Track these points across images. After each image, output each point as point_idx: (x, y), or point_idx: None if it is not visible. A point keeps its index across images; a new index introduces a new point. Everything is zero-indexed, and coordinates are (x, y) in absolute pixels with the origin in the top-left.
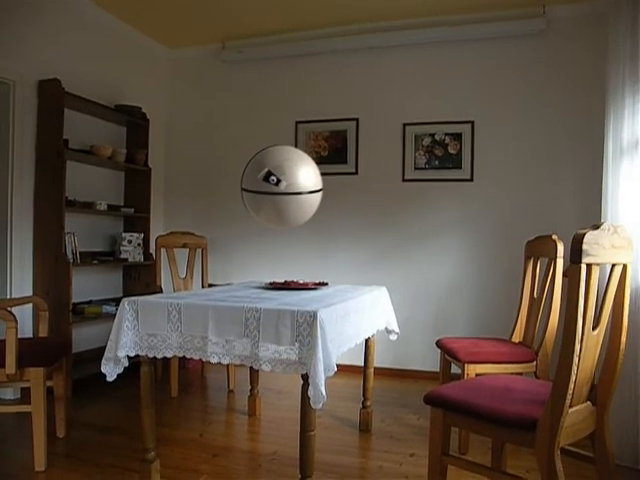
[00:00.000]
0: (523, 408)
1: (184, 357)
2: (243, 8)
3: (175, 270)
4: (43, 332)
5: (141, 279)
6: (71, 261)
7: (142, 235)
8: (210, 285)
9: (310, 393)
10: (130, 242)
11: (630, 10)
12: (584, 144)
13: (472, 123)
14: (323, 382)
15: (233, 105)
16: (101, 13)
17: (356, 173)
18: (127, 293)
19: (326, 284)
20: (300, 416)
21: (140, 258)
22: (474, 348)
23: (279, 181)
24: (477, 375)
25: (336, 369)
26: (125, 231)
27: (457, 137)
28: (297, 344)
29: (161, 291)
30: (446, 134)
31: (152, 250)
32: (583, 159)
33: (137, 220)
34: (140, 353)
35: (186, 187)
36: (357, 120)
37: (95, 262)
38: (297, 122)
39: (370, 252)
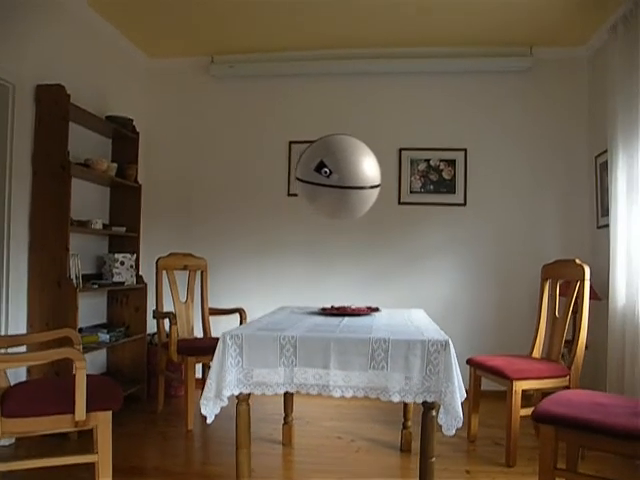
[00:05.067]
0: (634, 422)
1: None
2: (235, 22)
3: (176, 294)
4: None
5: (129, 303)
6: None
7: (135, 256)
8: (210, 310)
9: (441, 420)
10: (122, 264)
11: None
12: (567, 176)
13: (465, 150)
14: (461, 409)
15: (221, 122)
16: (85, 10)
17: None
18: (114, 319)
19: (377, 309)
20: (421, 443)
21: (133, 281)
22: (515, 365)
23: (331, 173)
24: (523, 391)
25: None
26: (110, 251)
27: (451, 163)
28: (427, 373)
29: (166, 317)
30: (441, 160)
31: (141, 272)
32: (565, 189)
33: (126, 240)
34: (244, 391)
35: (166, 206)
36: None
37: (95, 286)
38: (291, 142)
39: (366, 273)
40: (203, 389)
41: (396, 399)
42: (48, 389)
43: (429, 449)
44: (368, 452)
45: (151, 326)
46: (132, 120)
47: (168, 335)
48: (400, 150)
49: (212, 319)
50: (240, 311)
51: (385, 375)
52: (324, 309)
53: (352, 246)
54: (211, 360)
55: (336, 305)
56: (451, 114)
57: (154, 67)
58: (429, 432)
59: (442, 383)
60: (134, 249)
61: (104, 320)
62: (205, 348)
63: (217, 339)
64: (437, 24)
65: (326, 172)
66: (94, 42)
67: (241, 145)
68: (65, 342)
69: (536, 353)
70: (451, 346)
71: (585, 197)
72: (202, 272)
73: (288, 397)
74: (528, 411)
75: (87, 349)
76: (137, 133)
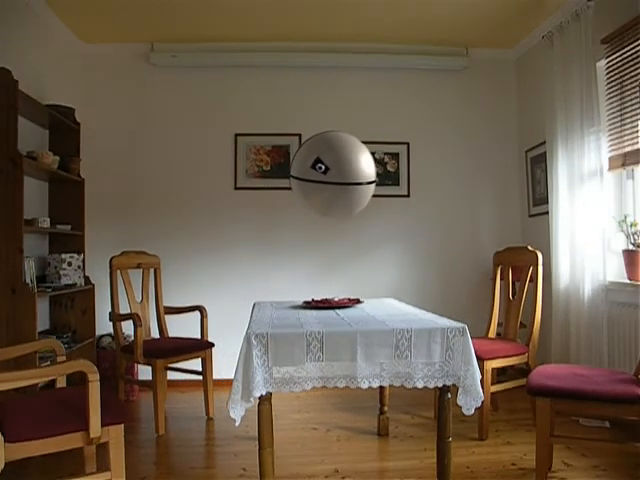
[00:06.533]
0: (621, 388)
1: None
2: (176, 9)
3: (132, 294)
4: (62, 382)
5: (75, 307)
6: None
7: (82, 256)
8: (166, 309)
9: (461, 401)
10: (70, 264)
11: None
12: (500, 168)
13: (408, 144)
14: (481, 388)
15: (164, 113)
16: None
17: None
18: (58, 324)
19: (358, 301)
20: (437, 425)
21: (81, 282)
22: (483, 346)
23: (327, 169)
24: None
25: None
26: (51, 252)
27: (395, 156)
28: (446, 358)
29: (128, 318)
30: (385, 153)
31: (87, 272)
32: (499, 181)
33: (69, 239)
34: (271, 390)
35: (106, 202)
36: (300, 136)
37: (49, 290)
38: (237, 134)
39: (314, 265)
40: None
41: (420, 385)
42: (49, 406)
43: (446, 430)
44: (349, 440)
45: (99, 329)
46: (74, 110)
47: (126, 337)
48: None
49: (167, 318)
50: (200, 309)
51: (409, 363)
52: (307, 302)
53: (299, 238)
54: (178, 361)
55: (316, 298)
56: (395, 109)
57: (89, 54)
58: (446, 414)
59: (461, 367)
60: (79, 248)
61: (47, 326)
62: (172, 349)
63: (179, 339)
64: (382, 22)
65: (321, 168)
66: (23, 23)
67: (186, 138)
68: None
69: (491, 334)
70: (467, 332)
71: (516, 188)
72: (155, 270)
73: None
74: (494, 388)
75: (43, 359)
76: (78, 124)
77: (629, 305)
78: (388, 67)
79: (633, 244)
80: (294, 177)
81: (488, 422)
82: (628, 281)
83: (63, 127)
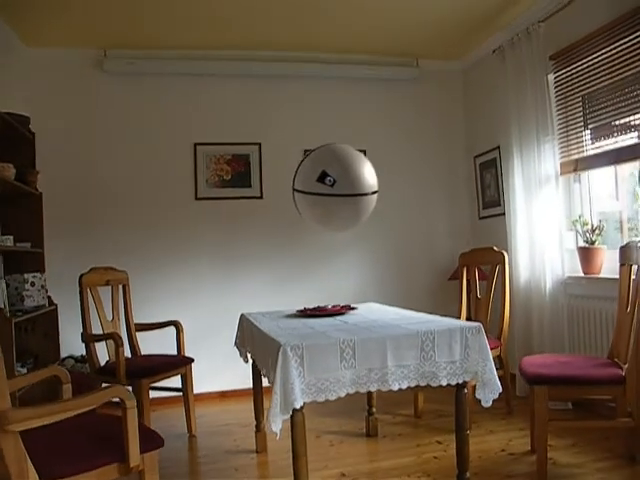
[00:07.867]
0: (607, 371)
1: None
2: (128, 14)
3: (102, 312)
4: None
5: (36, 329)
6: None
7: (44, 275)
8: (137, 325)
9: (479, 395)
10: (33, 285)
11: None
12: (450, 174)
13: (364, 152)
14: (499, 381)
15: (119, 123)
16: None
17: (261, 197)
18: (18, 349)
19: (350, 307)
20: (456, 418)
21: (45, 303)
22: None
23: (335, 182)
24: None
25: None
26: (8, 272)
27: None
28: (465, 356)
29: (107, 339)
30: None
31: (50, 293)
32: (449, 186)
33: (28, 257)
34: (307, 400)
35: (59, 217)
36: (260, 145)
37: (20, 314)
38: (196, 144)
39: (278, 274)
40: None
41: (444, 383)
42: (74, 438)
43: (464, 423)
44: (342, 444)
45: (61, 351)
46: (29, 118)
47: (94, 358)
48: (305, 151)
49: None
50: (176, 324)
51: (434, 363)
52: (301, 311)
53: (263, 248)
54: (161, 379)
55: (306, 307)
56: (352, 117)
57: (34, 58)
58: (464, 408)
59: (478, 362)
60: (39, 267)
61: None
62: (154, 368)
63: (156, 356)
64: (338, 34)
65: (330, 181)
66: None
67: (144, 148)
68: None
69: None
70: (483, 330)
71: (465, 192)
72: (124, 286)
73: (258, 403)
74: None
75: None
76: (33, 134)
77: (586, 297)
78: (344, 77)
79: (586, 241)
80: (299, 191)
81: (471, 414)
82: (583, 275)
83: (16, 137)
